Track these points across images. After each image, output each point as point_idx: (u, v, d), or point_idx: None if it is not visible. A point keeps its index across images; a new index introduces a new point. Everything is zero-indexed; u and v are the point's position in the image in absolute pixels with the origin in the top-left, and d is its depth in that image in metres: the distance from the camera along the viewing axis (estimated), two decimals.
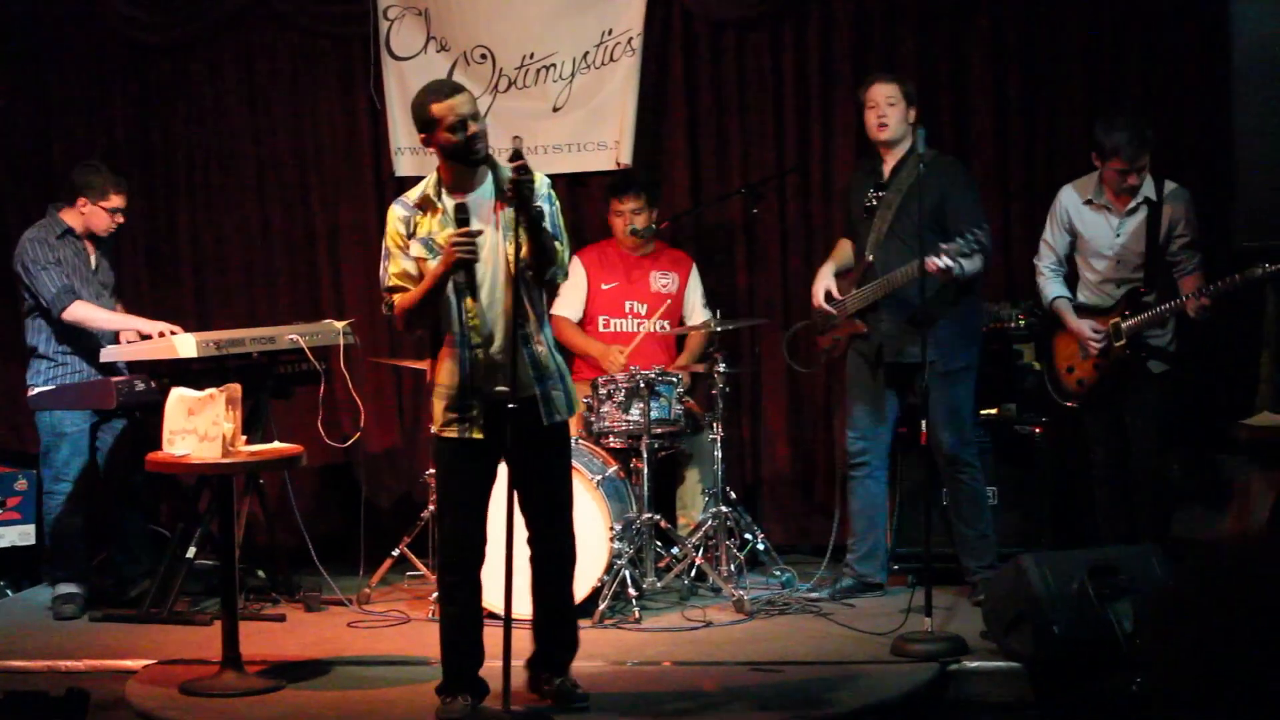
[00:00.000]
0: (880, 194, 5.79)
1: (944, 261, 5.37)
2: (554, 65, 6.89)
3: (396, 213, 4.50)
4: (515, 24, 6.91)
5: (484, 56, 6.94)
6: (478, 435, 4.45)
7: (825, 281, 5.96)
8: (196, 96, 7.19)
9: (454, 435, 4.47)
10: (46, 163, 7.20)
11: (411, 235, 4.46)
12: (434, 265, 4.40)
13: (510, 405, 4.29)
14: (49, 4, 7.15)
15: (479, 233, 4.35)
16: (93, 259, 6.23)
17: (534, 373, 4.47)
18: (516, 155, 4.30)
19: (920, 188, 5.40)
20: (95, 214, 6.15)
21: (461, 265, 4.34)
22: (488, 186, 4.48)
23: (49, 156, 7.20)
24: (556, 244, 4.47)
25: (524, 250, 4.33)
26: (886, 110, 5.75)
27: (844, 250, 6.07)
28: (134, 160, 7.10)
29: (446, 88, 4.49)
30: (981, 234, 5.40)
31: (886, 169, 5.83)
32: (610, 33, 6.83)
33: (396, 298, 4.48)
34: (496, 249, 4.42)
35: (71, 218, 6.17)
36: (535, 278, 4.46)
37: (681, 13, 6.89)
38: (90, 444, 6.12)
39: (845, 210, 6.12)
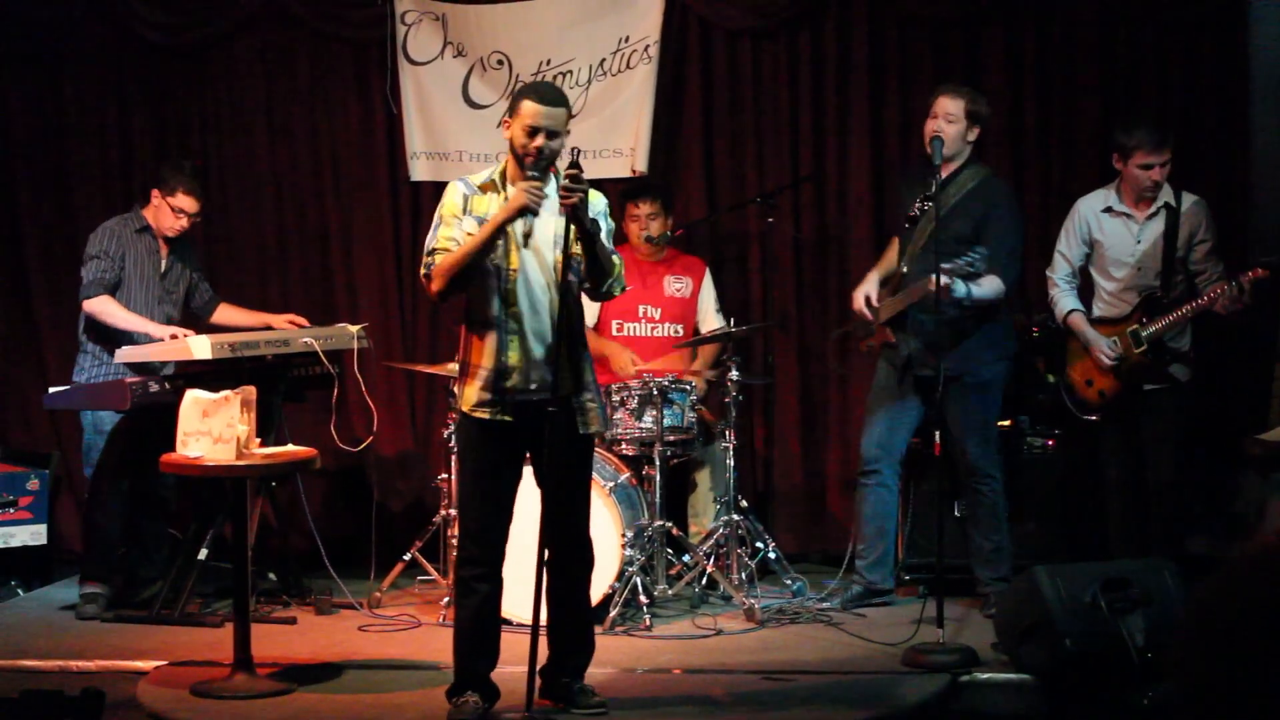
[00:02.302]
0: (926, 205, 5.74)
1: (942, 280, 5.24)
2: (570, 72, 6.88)
3: (457, 188, 4.54)
4: (532, 30, 6.90)
5: (500, 62, 6.93)
6: (508, 418, 4.44)
7: (868, 287, 5.91)
8: (212, 99, 7.18)
9: (485, 416, 4.45)
10: (61, 163, 7.20)
11: (467, 211, 4.49)
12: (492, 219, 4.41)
13: (550, 409, 4.32)
14: (64, 4, 7.15)
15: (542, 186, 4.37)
16: (164, 262, 6.17)
17: (574, 380, 4.49)
18: (573, 165, 4.31)
19: (962, 206, 5.36)
20: (161, 209, 6.10)
21: (524, 213, 4.36)
22: (552, 199, 4.47)
23: (63, 157, 7.19)
24: (614, 258, 4.52)
25: (582, 265, 4.41)
26: (944, 126, 5.64)
27: (892, 253, 5.99)
28: (148, 162, 7.09)
29: (552, 95, 4.51)
30: (978, 257, 5.28)
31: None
32: (627, 40, 6.83)
33: (438, 257, 4.46)
34: (552, 246, 4.44)
35: (148, 214, 6.14)
36: (591, 291, 4.52)
37: (698, 21, 6.89)
38: (129, 442, 5.99)
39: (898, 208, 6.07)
